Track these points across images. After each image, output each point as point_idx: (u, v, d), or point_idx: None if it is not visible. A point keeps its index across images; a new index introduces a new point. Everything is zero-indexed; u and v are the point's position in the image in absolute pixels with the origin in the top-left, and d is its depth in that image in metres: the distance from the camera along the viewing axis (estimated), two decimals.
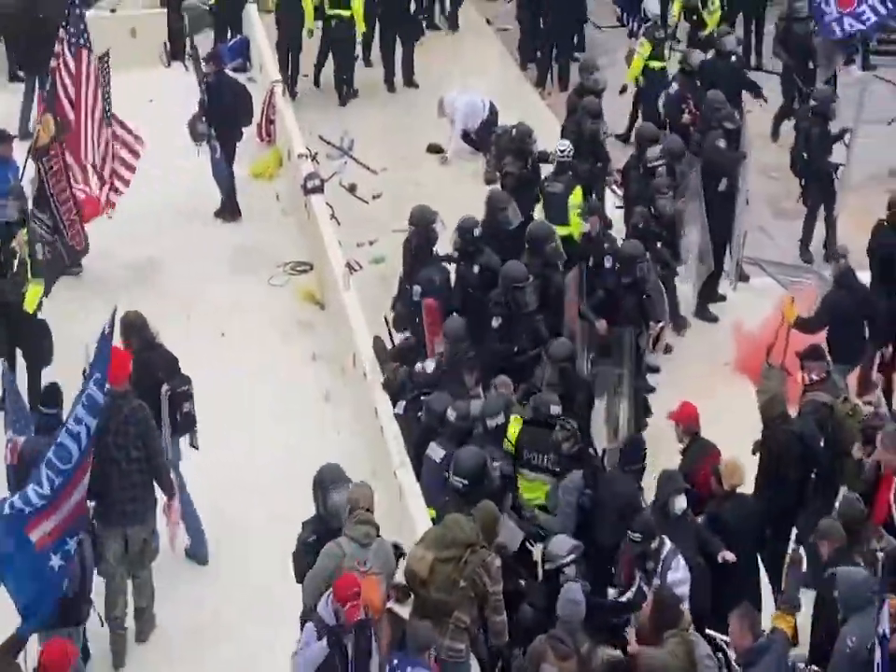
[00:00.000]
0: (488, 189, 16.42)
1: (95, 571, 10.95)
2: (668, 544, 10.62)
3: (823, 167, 17.34)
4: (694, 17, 20.96)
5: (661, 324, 14.95)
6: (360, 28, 21.16)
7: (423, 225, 14.50)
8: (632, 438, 12.71)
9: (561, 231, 15.24)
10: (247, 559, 12.35)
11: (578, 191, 15.91)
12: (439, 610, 10.18)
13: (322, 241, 16.32)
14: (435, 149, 19.97)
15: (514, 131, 16.63)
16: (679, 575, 10.52)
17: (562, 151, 16.06)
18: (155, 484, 11.42)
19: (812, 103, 17.60)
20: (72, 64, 15.91)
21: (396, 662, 9.84)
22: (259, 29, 21.47)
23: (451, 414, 11.91)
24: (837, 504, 11.23)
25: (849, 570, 10.00)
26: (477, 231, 14.29)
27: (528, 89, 21.89)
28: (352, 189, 18.89)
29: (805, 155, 17.34)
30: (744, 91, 18.83)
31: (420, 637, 9.89)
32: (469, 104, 19.66)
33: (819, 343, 13.16)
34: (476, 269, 14.27)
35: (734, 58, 19.22)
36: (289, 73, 20.95)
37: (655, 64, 19.76)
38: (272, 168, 19.08)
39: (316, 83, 21.73)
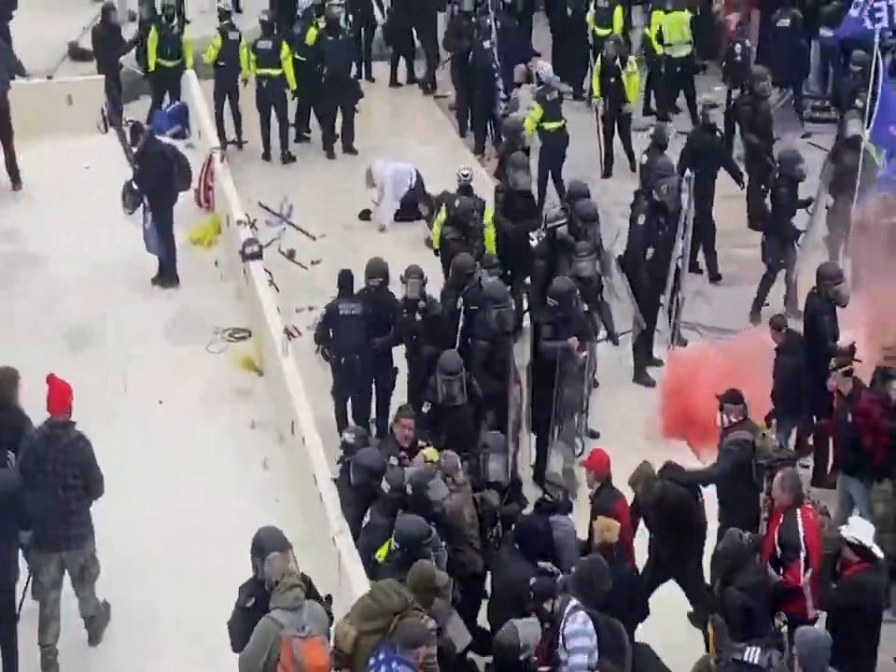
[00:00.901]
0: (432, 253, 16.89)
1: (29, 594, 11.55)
2: (572, 601, 10.56)
3: (787, 228, 17.69)
4: (612, 79, 21.33)
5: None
6: (291, 86, 21.61)
7: (381, 276, 15.02)
8: (528, 525, 12.12)
9: None
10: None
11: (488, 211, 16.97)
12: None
13: (261, 307, 16.39)
14: (366, 216, 20.29)
15: (458, 202, 16.87)
16: (575, 626, 10.42)
17: (465, 175, 16.93)
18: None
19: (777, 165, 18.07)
20: None
21: (382, 656, 9.76)
22: (198, 94, 21.60)
23: (385, 486, 12.01)
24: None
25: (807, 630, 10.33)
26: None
27: (467, 154, 22.10)
28: (291, 255, 19.01)
29: (771, 213, 17.87)
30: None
31: (410, 634, 9.83)
32: (396, 172, 19.98)
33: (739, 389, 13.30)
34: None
35: (717, 133, 19.51)
36: (235, 131, 21.64)
37: (550, 126, 20.13)
38: (210, 234, 19.21)
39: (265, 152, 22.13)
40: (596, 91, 21.67)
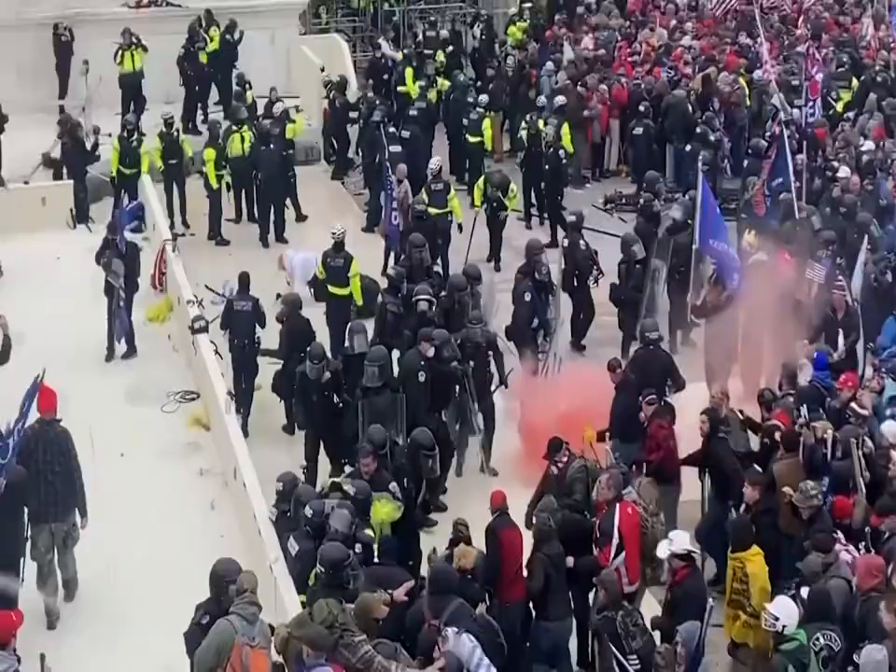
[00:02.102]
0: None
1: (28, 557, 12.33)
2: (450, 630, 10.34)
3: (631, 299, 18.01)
4: (494, 204, 21.30)
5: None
6: (213, 183, 21.73)
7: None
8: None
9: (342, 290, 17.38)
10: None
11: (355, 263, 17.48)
12: None
13: (207, 373, 16.28)
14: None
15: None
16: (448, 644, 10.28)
17: (335, 233, 17.65)
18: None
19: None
20: None
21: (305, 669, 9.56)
22: (152, 195, 21.49)
23: (307, 511, 11.86)
24: None
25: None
26: None
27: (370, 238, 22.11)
28: None
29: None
30: None
31: (316, 642, 9.69)
32: (304, 260, 19.76)
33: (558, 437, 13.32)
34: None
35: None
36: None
37: (433, 211, 20.18)
38: (164, 313, 19.08)
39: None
40: (477, 202, 21.46)
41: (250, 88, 24.57)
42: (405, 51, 28.26)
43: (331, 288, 17.74)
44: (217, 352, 16.85)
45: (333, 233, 17.87)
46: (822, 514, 12.16)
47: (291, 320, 16.33)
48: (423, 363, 14.93)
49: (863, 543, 11.91)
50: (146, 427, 16.11)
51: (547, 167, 22.51)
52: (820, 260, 17.27)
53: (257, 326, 16.59)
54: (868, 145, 21.76)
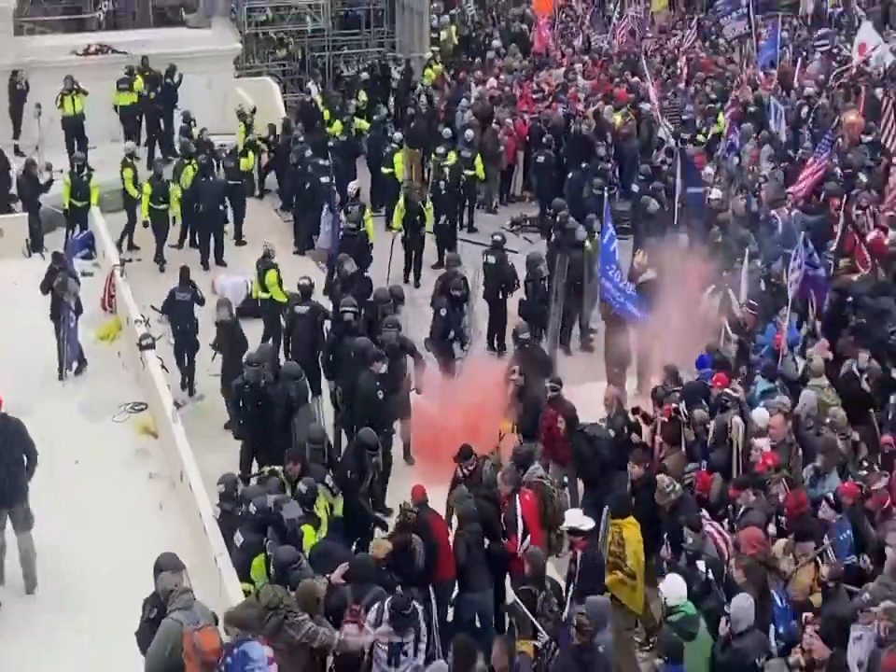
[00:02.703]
0: None
1: None
2: None
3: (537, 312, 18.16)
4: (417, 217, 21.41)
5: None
6: (174, 211, 21.73)
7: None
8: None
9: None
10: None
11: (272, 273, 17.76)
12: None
13: (155, 385, 16.17)
14: None
15: None
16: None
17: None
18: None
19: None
20: None
21: (235, 649, 9.47)
22: (102, 225, 21.32)
23: (252, 508, 11.84)
24: None
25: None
26: None
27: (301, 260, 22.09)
28: None
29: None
30: None
31: (244, 621, 9.74)
32: (234, 284, 19.66)
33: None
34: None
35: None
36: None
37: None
38: (114, 332, 18.88)
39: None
40: (395, 224, 21.53)
41: (195, 125, 24.43)
42: (329, 92, 28.50)
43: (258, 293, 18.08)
44: (163, 366, 16.76)
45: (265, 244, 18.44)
46: (685, 500, 12.39)
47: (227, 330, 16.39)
48: (378, 383, 14.82)
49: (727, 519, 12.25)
50: (98, 436, 15.94)
51: (445, 192, 22.57)
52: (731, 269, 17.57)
53: (195, 309, 17.60)
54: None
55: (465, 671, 9.83)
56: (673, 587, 10.53)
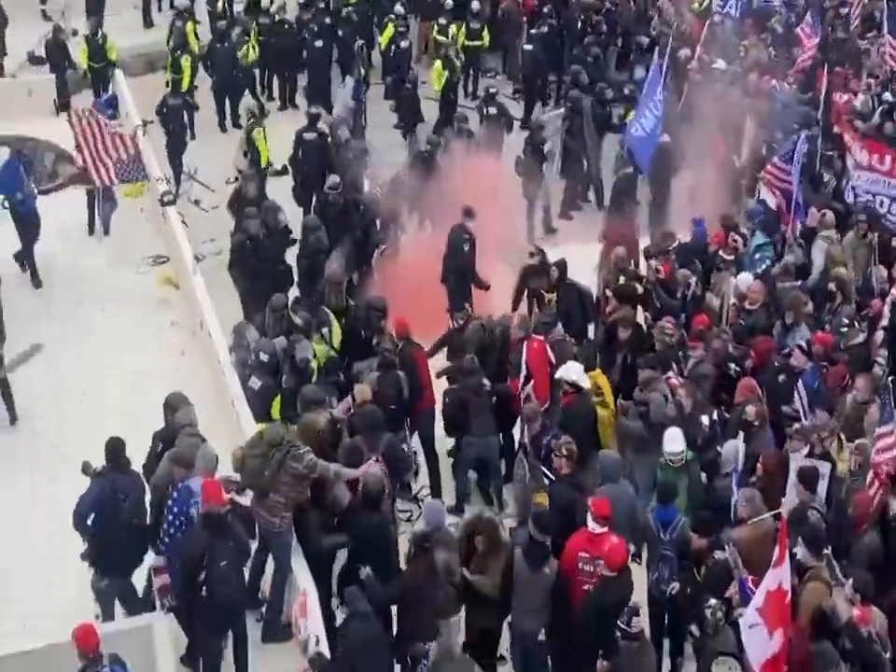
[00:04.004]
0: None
1: None
2: None
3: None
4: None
5: None
6: (185, 86, 20.62)
7: None
8: None
9: None
10: None
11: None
12: (255, 492, 9.92)
13: (176, 239, 16.03)
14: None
15: None
16: None
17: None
18: None
19: None
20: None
21: (180, 484, 9.48)
22: (125, 88, 20.76)
23: (263, 357, 11.76)
24: None
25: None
26: None
27: None
28: (196, 202, 18.55)
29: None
30: None
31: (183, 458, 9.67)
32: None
33: None
34: None
35: None
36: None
37: None
38: (137, 189, 18.22)
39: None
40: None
41: None
42: None
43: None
44: (183, 221, 16.60)
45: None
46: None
47: None
48: None
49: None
50: (124, 287, 15.83)
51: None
52: None
53: (185, 114, 19.02)
54: None
55: None
56: (676, 438, 10.50)
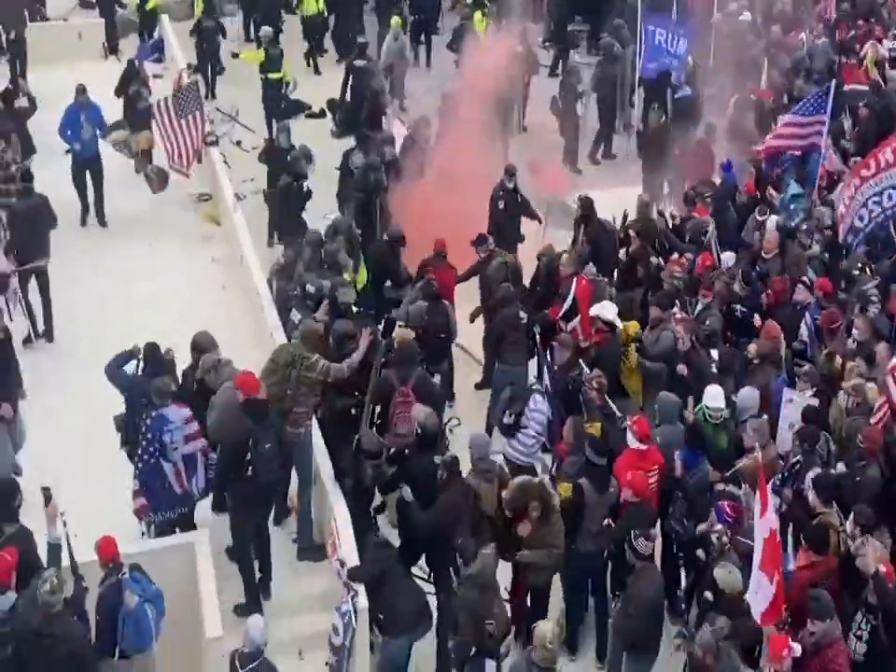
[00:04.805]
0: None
1: None
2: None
3: None
4: None
5: None
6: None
7: None
8: None
9: None
10: None
11: None
12: (281, 411, 9.94)
13: (218, 178, 16.05)
14: None
15: None
16: None
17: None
18: None
19: None
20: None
21: (153, 412, 9.50)
22: (170, 32, 20.74)
23: (310, 288, 11.81)
24: None
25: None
26: None
27: None
28: (238, 143, 18.50)
29: None
30: None
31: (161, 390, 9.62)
32: None
33: None
34: None
35: None
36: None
37: None
38: None
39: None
40: None
41: None
42: None
43: None
44: (225, 161, 16.61)
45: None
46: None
47: None
48: None
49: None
50: (170, 222, 15.83)
51: None
52: None
53: (219, 36, 19.92)
54: None
55: None
56: (718, 395, 10.31)
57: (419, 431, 9.81)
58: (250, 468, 9.33)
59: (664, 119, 16.68)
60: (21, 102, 16.27)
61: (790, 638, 7.89)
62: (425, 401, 10.40)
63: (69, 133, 15.55)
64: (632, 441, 9.82)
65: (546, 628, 8.16)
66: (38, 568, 8.35)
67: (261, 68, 18.57)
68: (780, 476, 9.77)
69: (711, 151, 15.87)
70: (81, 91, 15.69)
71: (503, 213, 14.36)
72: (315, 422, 10.51)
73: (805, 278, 12.21)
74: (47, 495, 8.47)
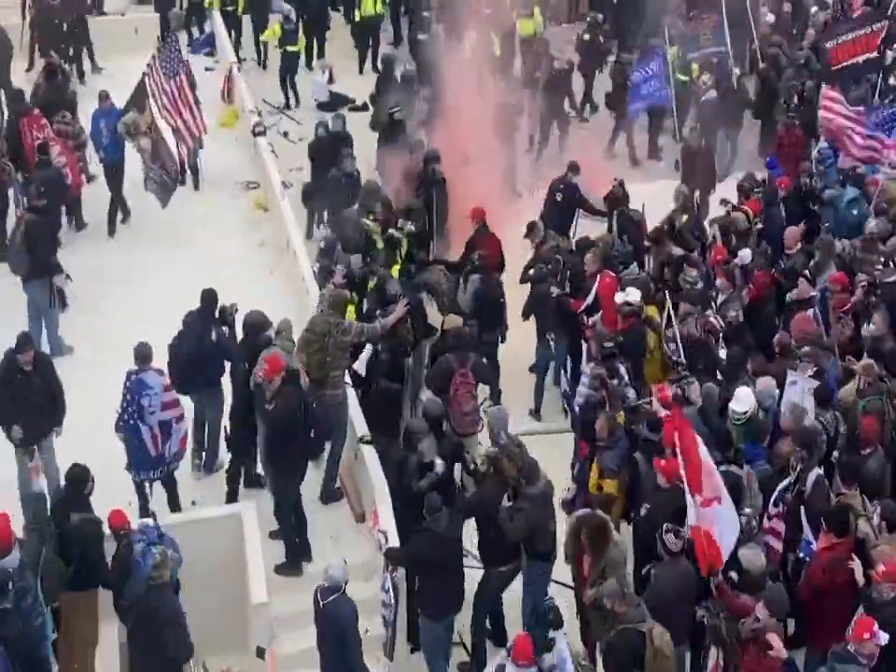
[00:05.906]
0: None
1: None
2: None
3: None
4: None
5: None
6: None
7: None
8: None
9: None
10: None
11: None
12: (320, 379, 10.13)
13: (266, 167, 16.03)
14: None
15: None
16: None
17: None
18: None
19: None
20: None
21: (133, 376, 9.56)
22: (221, 28, 20.65)
23: (341, 270, 11.80)
24: None
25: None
26: None
27: None
28: (285, 133, 18.47)
29: None
30: None
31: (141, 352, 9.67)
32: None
33: None
34: None
35: None
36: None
37: None
38: (232, 120, 18.45)
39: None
40: None
41: None
42: None
43: None
44: (273, 151, 16.56)
45: None
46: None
47: None
48: None
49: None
50: (220, 209, 15.87)
51: None
52: None
53: None
54: None
55: None
56: (744, 399, 9.98)
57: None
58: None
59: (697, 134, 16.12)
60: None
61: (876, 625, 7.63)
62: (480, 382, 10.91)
63: (95, 138, 15.23)
64: (656, 405, 9.89)
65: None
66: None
67: (280, 42, 19.25)
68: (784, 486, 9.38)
69: (802, 138, 15.62)
70: (104, 97, 15.27)
71: (559, 205, 14.35)
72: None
73: (806, 272, 12.07)
74: None
